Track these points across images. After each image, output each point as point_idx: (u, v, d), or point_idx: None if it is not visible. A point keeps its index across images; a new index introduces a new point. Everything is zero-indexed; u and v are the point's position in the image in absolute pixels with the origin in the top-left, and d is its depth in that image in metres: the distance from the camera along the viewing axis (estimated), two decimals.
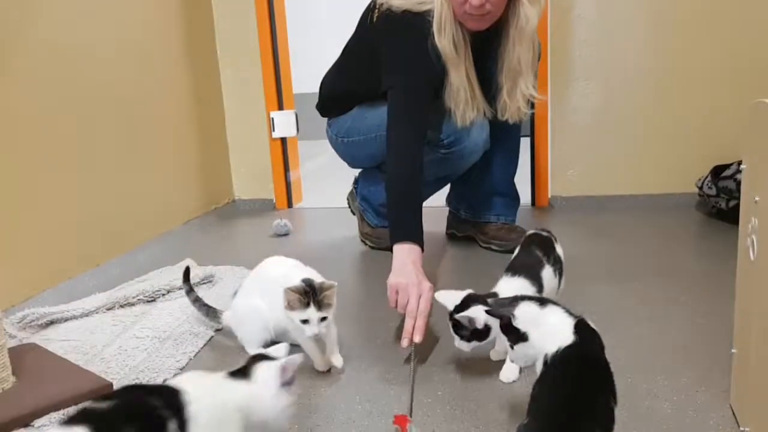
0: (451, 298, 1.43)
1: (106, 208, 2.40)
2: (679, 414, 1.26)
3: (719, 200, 2.53)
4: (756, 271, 1.10)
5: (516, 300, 1.16)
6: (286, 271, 1.56)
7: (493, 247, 2.36)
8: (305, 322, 1.42)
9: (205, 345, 1.67)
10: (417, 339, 1.52)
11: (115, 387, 1.43)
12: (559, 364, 1.05)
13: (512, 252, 2.31)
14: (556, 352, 1.06)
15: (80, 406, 0.94)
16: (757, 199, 1.08)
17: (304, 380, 1.46)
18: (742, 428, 1.16)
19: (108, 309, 1.92)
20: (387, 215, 1.90)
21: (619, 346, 1.55)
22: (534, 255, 1.55)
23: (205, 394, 1.01)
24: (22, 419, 1.31)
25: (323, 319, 1.42)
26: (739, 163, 2.51)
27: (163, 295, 2.00)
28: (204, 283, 2.11)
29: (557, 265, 1.57)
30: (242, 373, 1.09)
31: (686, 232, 2.55)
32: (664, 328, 1.65)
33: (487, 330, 1.37)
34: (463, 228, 2.50)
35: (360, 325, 1.78)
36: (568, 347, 1.06)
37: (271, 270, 1.61)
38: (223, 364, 1.54)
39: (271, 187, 3.29)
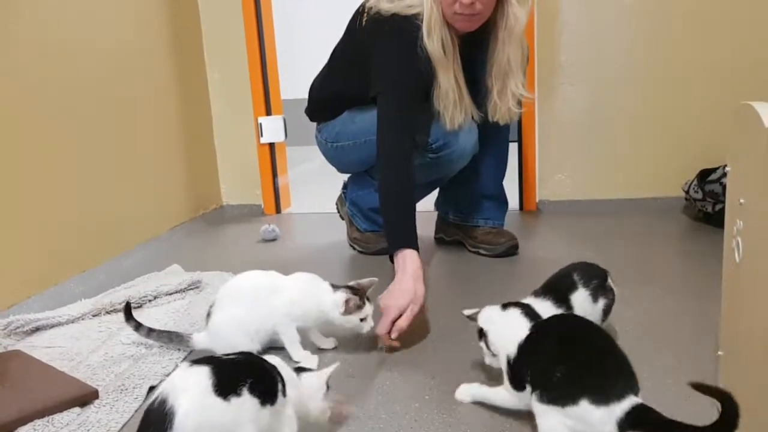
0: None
1: (91, 213, 2.38)
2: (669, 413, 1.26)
3: (705, 204, 2.55)
4: (741, 273, 1.10)
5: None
6: (266, 278, 1.62)
7: (482, 251, 2.36)
8: (363, 320, 1.55)
9: (191, 352, 1.65)
10: (394, 336, 1.56)
11: (101, 393, 1.42)
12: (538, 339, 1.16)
13: (500, 256, 2.34)
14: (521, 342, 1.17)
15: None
16: (742, 201, 1.09)
17: None
18: None
19: (94, 315, 1.90)
20: (383, 224, 1.90)
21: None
22: (569, 277, 1.51)
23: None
24: (5, 427, 1.29)
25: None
26: (725, 166, 2.54)
27: (150, 301, 1.99)
28: (191, 289, 2.09)
29: (601, 293, 1.49)
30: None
31: (673, 236, 2.56)
32: (650, 331, 1.66)
33: None
34: (452, 232, 2.50)
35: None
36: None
37: (248, 282, 1.62)
38: None
39: (259, 192, 3.28)
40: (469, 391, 1.34)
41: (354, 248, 2.50)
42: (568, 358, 1.08)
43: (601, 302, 1.49)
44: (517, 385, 1.17)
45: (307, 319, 1.58)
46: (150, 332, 1.61)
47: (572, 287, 1.47)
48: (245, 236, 2.83)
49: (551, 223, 2.82)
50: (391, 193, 1.91)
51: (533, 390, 1.12)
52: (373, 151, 1.98)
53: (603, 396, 1.02)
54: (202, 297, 2.03)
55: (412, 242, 1.77)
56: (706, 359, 1.41)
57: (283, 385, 1.04)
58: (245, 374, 0.99)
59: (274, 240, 2.71)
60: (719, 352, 1.25)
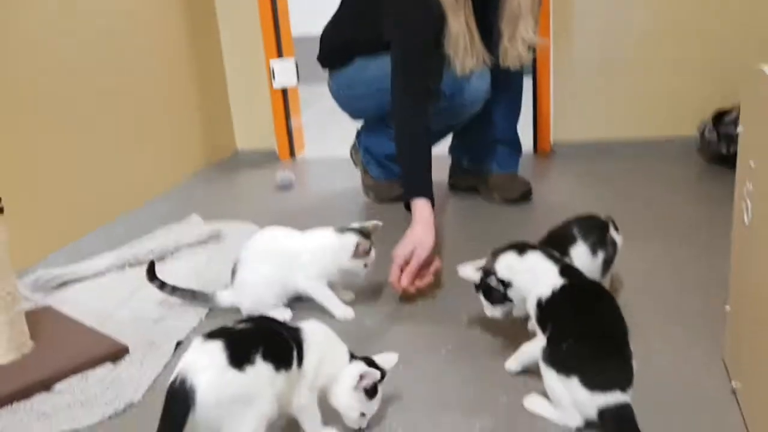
0: (471, 268, 1.42)
1: (108, 167, 2.42)
2: (675, 366, 1.31)
3: (720, 146, 2.53)
4: (750, 235, 1.12)
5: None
6: (288, 235, 1.66)
7: (496, 198, 2.38)
8: (366, 266, 1.59)
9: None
10: (404, 282, 1.61)
11: (131, 349, 1.49)
12: (571, 300, 1.19)
13: (514, 202, 2.35)
14: (554, 292, 1.19)
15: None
16: (752, 164, 1.10)
17: None
18: (733, 382, 1.21)
19: (118, 269, 1.96)
20: (399, 171, 1.93)
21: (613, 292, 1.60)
22: (568, 230, 1.51)
23: (320, 337, 1.14)
24: (42, 383, 1.36)
25: None
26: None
27: (172, 254, 2.04)
28: (211, 240, 2.14)
29: (600, 246, 1.49)
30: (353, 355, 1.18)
31: (687, 179, 2.56)
32: (661, 282, 1.70)
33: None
34: (465, 178, 2.52)
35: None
36: (569, 285, 1.19)
37: (270, 239, 1.66)
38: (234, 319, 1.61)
39: (273, 137, 3.28)
40: (516, 359, 1.33)
41: (368, 196, 2.52)
42: (580, 332, 1.13)
43: (601, 256, 1.48)
44: (543, 327, 1.21)
45: (332, 274, 1.62)
46: (174, 290, 1.66)
47: (571, 241, 1.47)
48: (261, 184, 2.85)
49: (565, 167, 2.83)
50: (406, 140, 1.94)
51: (545, 347, 1.17)
52: (386, 99, 1.99)
53: (591, 382, 1.09)
54: (223, 249, 2.08)
55: (425, 190, 1.81)
56: (715, 310, 1.44)
57: (300, 354, 1.09)
58: (257, 342, 1.03)
59: (289, 188, 2.73)
60: (727, 307, 1.28)
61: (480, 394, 1.28)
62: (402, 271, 1.64)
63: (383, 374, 1.15)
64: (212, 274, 1.90)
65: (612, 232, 1.53)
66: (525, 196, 2.35)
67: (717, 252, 1.73)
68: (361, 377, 1.11)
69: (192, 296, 1.67)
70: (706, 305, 1.53)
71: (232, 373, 0.99)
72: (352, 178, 2.65)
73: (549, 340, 1.17)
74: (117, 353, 1.47)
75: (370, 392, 1.12)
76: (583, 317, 1.15)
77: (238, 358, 0.99)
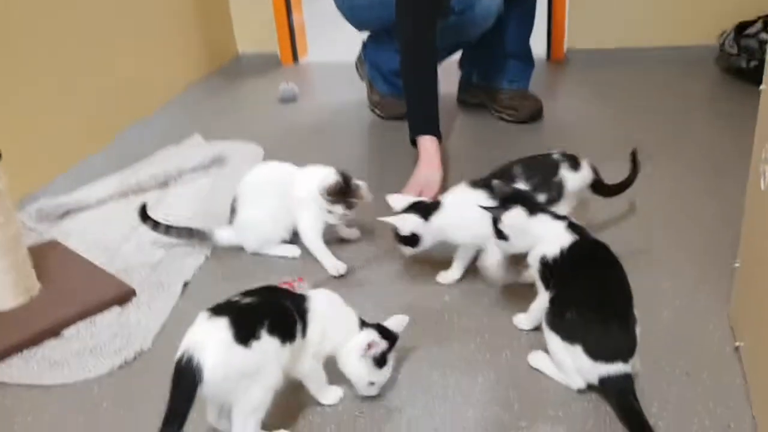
0: (399, 202, 1.45)
1: (107, 82, 2.34)
2: (679, 319, 1.32)
3: (740, 59, 2.43)
4: (765, 200, 1.09)
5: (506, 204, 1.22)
6: (285, 171, 1.62)
7: (505, 117, 2.32)
8: (330, 212, 1.52)
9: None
10: None
11: (138, 291, 1.49)
12: (575, 262, 1.15)
13: (524, 122, 2.29)
14: (561, 252, 1.16)
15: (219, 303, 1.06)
16: None
17: None
18: (737, 342, 1.21)
19: (122, 196, 1.94)
20: (406, 104, 1.87)
21: (623, 235, 1.59)
22: (509, 170, 1.44)
23: (325, 307, 1.13)
24: (51, 330, 1.38)
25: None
26: (764, 22, 2.39)
27: (175, 179, 2.02)
28: (214, 164, 2.11)
29: (543, 189, 1.42)
30: (363, 322, 1.17)
31: (703, 92, 2.48)
32: (670, 215, 1.67)
33: (414, 238, 1.40)
34: (475, 93, 2.44)
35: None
36: (576, 246, 1.16)
37: (268, 175, 1.63)
38: (240, 258, 1.61)
39: (275, 37, 3.15)
40: (528, 319, 1.31)
41: (374, 112, 2.46)
42: (585, 302, 1.12)
43: (542, 198, 1.41)
44: (546, 283, 1.21)
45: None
46: (168, 230, 1.63)
47: (511, 181, 1.41)
48: (263, 94, 2.78)
49: (578, 76, 2.73)
50: (410, 68, 1.86)
51: (548, 308, 1.17)
52: (391, 10, 1.89)
53: (594, 352, 1.10)
54: (226, 174, 2.04)
55: (430, 127, 1.76)
56: (723, 253, 1.42)
57: (304, 325, 1.09)
58: (262, 316, 1.03)
59: (293, 100, 2.66)
60: (736, 264, 1.27)
61: (483, 349, 1.29)
62: None
63: (394, 340, 1.15)
64: (216, 202, 1.88)
65: (564, 172, 1.44)
66: (535, 116, 2.28)
67: (729, 179, 1.70)
68: (369, 346, 1.11)
69: (189, 235, 1.64)
70: (715, 243, 1.52)
71: (239, 349, 0.99)
72: (358, 88, 2.56)
73: (553, 303, 1.17)
74: (124, 296, 1.47)
75: (379, 361, 1.13)
76: (588, 283, 1.14)
77: (245, 334, 1.00)
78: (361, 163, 2.14)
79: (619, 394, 1.09)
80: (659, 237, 1.60)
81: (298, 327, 1.07)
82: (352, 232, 1.67)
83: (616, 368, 1.09)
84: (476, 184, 1.41)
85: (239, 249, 1.64)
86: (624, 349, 1.10)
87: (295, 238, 1.63)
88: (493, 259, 1.39)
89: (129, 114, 2.46)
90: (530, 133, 2.23)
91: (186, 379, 0.96)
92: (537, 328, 1.27)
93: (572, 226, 1.19)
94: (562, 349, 1.13)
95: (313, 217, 1.55)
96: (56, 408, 1.21)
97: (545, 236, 1.18)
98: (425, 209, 1.41)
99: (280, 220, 1.60)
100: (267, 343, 1.02)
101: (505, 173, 1.44)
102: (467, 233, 1.40)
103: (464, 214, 1.37)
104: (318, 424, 1.13)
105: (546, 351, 1.20)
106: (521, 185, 1.41)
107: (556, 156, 1.47)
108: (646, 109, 2.34)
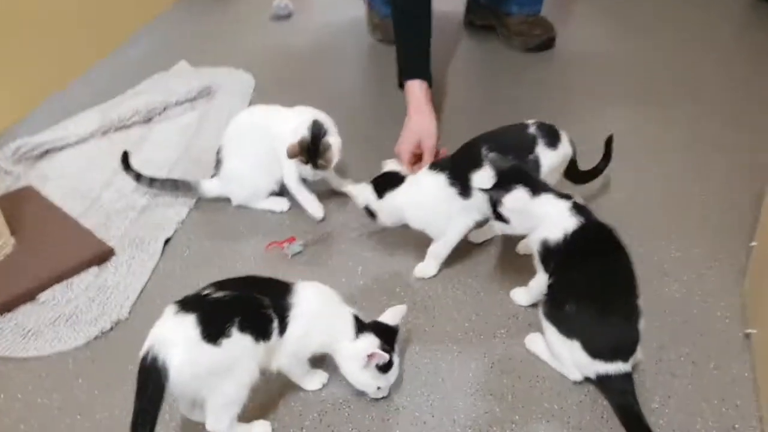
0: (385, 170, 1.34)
1: (84, 1, 2.17)
2: (687, 299, 1.23)
3: None
4: None
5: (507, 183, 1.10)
6: (271, 116, 1.49)
7: (515, 44, 2.15)
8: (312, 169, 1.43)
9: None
10: None
11: (116, 249, 1.42)
12: (578, 248, 1.06)
13: (534, 50, 2.12)
14: (565, 236, 1.06)
15: (189, 295, 0.99)
16: None
17: None
18: (747, 330, 1.13)
19: (103, 133, 1.83)
20: (396, 43, 1.71)
21: (628, 196, 1.48)
22: (475, 149, 1.25)
23: (312, 306, 1.03)
24: (27, 294, 1.31)
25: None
26: None
27: (159, 114, 1.90)
28: (202, 97, 1.98)
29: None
30: (360, 324, 1.06)
31: (728, 23, 2.28)
32: (682, 172, 1.56)
33: (369, 212, 1.30)
34: (483, 15, 2.26)
35: (362, 136, 1.71)
36: (580, 230, 1.06)
37: (253, 122, 1.50)
38: (226, 211, 1.52)
39: None
40: (526, 295, 1.24)
41: (374, 36, 2.29)
42: (585, 294, 1.03)
43: None
44: (546, 266, 1.12)
45: None
46: (152, 182, 1.54)
47: (475, 164, 1.23)
48: (256, 12, 2.59)
49: (597, 3, 2.51)
50: (401, 6, 1.68)
51: (545, 296, 1.09)
52: None
53: (593, 349, 1.03)
54: (214, 107, 1.92)
55: (420, 71, 1.62)
56: (737, 220, 1.33)
57: (283, 325, 1.00)
58: (232, 313, 0.95)
59: (287, 17, 2.48)
60: (753, 243, 1.18)
61: (477, 328, 1.22)
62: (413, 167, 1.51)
63: (394, 336, 1.06)
64: (202, 143, 1.78)
65: (540, 148, 1.25)
66: (546, 44, 2.12)
67: (748, 129, 1.57)
68: (370, 357, 1.03)
69: (174, 187, 1.55)
70: (729, 208, 1.42)
71: (206, 347, 0.92)
72: (357, 5, 2.38)
73: (552, 291, 1.08)
74: (102, 256, 1.40)
75: (385, 367, 1.04)
76: (590, 272, 1.05)
77: (213, 332, 0.92)
78: (357, 94, 2.01)
79: (618, 394, 1.03)
80: (669, 198, 1.49)
81: (274, 325, 0.99)
82: (343, 183, 1.57)
83: (616, 367, 1.02)
84: (436, 166, 1.27)
85: (226, 200, 1.55)
86: (625, 348, 1.02)
87: (284, 190, 1.53)
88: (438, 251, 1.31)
89: (110, 37, 2.30)
90: (539, 64, 2.07)
91: (152, 380, 0.90)
92: (535, 305, 1.20)
93: (577, 208, 1.08)
94: (559, 342, 1.06)
95: (293, 164, 1.45)
96: (30, 385, 1.15)
97: (548, 218, 1.08)
98: (385, 185, 1.29)
99: (268, 172, 1.50)
100: (238, 341, 0.94)
101: (472, 151, 1.25)
102: (418, 219, 1.28)
103: (418, 199, 1.26)
104: (299, 412, 1.08)
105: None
106: (486, 170, 1.22)
107: (531, 130, 1.26)
108: (670, 41, 2.16)
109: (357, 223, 1.46)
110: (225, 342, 0.93)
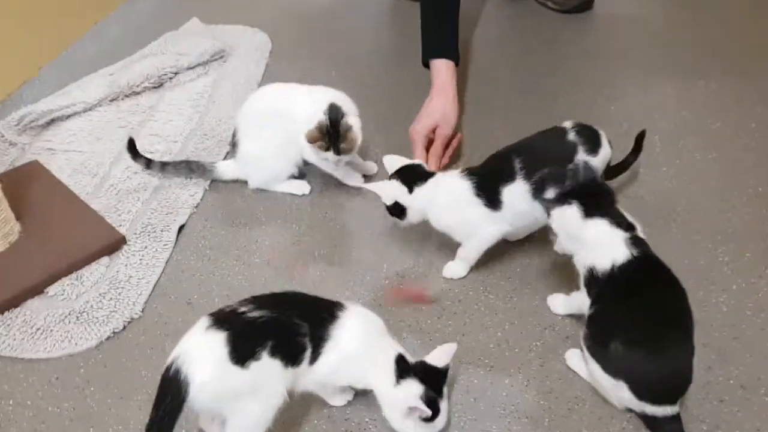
0: (394, 164, 1.23)
1: None
2: (736, 312, 1.15)
3: None
4: None
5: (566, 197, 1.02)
6: (289, 95, 1.38)
7: (549, 4, 2.00)
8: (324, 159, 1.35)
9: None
10: (432, 167, 1.39)
11: (129, 236, 1.34)
12: (628, 283, 0.97)
13: (571, 12, 1.97)
14: (613, 267, 0.97)
15: (225, 308, 0.93)
16: None
17: None
18: None
19: (112, 100, 1.74)
20: (421, 17, 1.57)
21: (673, 191, 1.39)
22: (508, 161, 1.15)
23: (352, 344, 0.95)
24: (35, 287, 1.25)
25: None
26: None
27: (170, 78, 1.79)
28: (214, 60, 1.86)
29: (555, 184, 1.12)
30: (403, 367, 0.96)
31: None
32: (734, 165, 1.45)
33: (400, 208, 1.20)
34: None
35: (385, 104, 1.62)
36: (630, 263, 0.97)
37: (270, 101, 1.40)
38: (243, 194, 1.44)
39: None
40: (565, 305, 1.16)
41: None
42: (634, 335, 0.95)
43: (551, 194, 1.12)
44: (589, 290, 1.03)
45: None
46: (164, 167, 1.46)
47: (508, 176, 1.14)
48: None
49: None
50: None
51: (587, 327, 1.01)
52: None
53: (641, 392, 0.95)
54: (228, 72, 1.82)
55: (447, 50, 1.50)
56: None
57: (315, 355, 0.93)
58: (265, 337, 0.89)
59: None
60: None
61: (511, 340, 1.15)
62: (427, 151, 1.42)
63: (443, 378, 0.97)
64: (218, 110, 1.70)
65: (581, 156, 1.14)
66: (585, 5, 1.97)
67: None
68: (411, 410, 0.94)
69: (188, 170, 1.46)
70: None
71: (233, 368, 0.87)
72: None
73: (594, 323, 1.00)
74: (114, 245, 1.33)
75: (430, 417, 0.95)
76: (640, 311, 0.96)
77: (242, 354, 0.87)
78: (378, 59, 1.88)
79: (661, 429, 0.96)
80: (717, 191, 1.39)
81: (306, 354, 0.92)
82: (369, 167, 1.48)
83: (664, 410, 0.95)
84: (466, 172, 1.18)
85: (243, 181, 1.46)
86: (676, 393, 0.95)
87: (304, 172, 1.45)
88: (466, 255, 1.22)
89: None
90: (575, 27, 1.94)
91: (171, 392, 0.86)
92: (572, 316, 1.13)
93: (634, 240, 0.98)
94: (603, 379, 0.98)
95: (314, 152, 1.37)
96: (40, 391, 1.10)
97: (597, 245, 0.99)
98: (413, 178, 1.19)
99: (286, 155, 1.40)
100: (267, 365, 0.89)
101: (504, 162, 1.15)
102: (440, 222, 1.20)
103: (442, 201, 1.18)
104: (323, 430, 1.02)
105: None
106: (519, 183, 1.13)
107: (571, 136, 1.15)
108: (723, 9, 1.99)
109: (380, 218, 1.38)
110: (253, 365, 0.88)
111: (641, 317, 0.95)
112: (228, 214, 1.41)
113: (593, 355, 0.99)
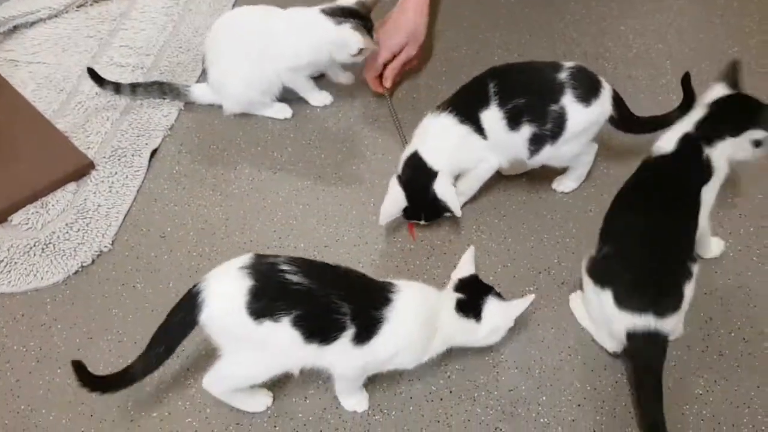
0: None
1: None
2: (741, 259, 1.09)
3: None
4: None
5: None
6: (262, 18, 1.27)
7: None
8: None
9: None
10: (387, 84, 1.34)
11: (97, 160, 1.25)
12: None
13: None
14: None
15: (271, 257, 0.87)
16: None
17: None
18: None
19: (79, 6, 1.59)
20: None
21: None
22: (483, 85, 1.05)
23: (409, 326, 0.88)
24: None
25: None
26: None
27: None
28: None
29: (537, 119, 1.03)
30: (472, 307, 0.92)
31: None
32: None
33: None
34: None
35: None
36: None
37: (241, 24, 1.29)
38: (219, 117, 1.34)
39: None
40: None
41: None
42: (628, 237, 0.93)
43: (527, 130, 1.04)
44: None
45: (316, 66, 1.31)
46: (134, 89, 1.34)
47: (483, 102, 1.04)
48: None
49: None
50: None
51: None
52: None
53: (622, 298, 0.90)
54: None
55: None
56: None
57: (361, 331, 0.85)
58: (292, 305, 0.83)
59: None
60: None
61: (508, 277, 1.09)
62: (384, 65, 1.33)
63: (477, 279, 0.96)
64: (193, 19, 1.57)
65: (568, 99, 1.02)
66: None
67: None
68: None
69: (161, 92, 1.35)
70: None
71: (245, 318, 0.83)
72: None
73: (600, 238, 0.97)
74: (81, 170, 1.24)
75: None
76: (642, 218, 0.92)
77: (257, 309, 0.83)
78: None
79: (641, 357, 0.90)
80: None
81: (346, 333, 0.85)
82: (347, 76, 1.37)
83: (645, 322, 0.88)
84: (438, 108, 1.09)
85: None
86: (660, 300, 0.88)
87: (284, 96, 1.34)
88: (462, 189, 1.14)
89: None
90: None
91: (187, 309, 0.85)
92: (568, 260, 1.06)
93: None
94: (593, 296, 0.94)
95: (304, 63, 1.27)
96: (4, 328, 1.04)
97: None
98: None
99: (259, 79, 1.28)
100: (284, 331, 0.83)
101: (479, 86, 1.05)
102: (438, 163, 1.08)
103: (437, 145, 1.08)
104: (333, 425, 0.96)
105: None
106: (494, 109, 1.03)
107: (563, 75, 1.03)
108: None
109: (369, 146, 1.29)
110: (268, 323, 0.83)
111: (640, 230, 0.92)
112: (204, 139, 1.31)
113: (588, 269, 0.95)
